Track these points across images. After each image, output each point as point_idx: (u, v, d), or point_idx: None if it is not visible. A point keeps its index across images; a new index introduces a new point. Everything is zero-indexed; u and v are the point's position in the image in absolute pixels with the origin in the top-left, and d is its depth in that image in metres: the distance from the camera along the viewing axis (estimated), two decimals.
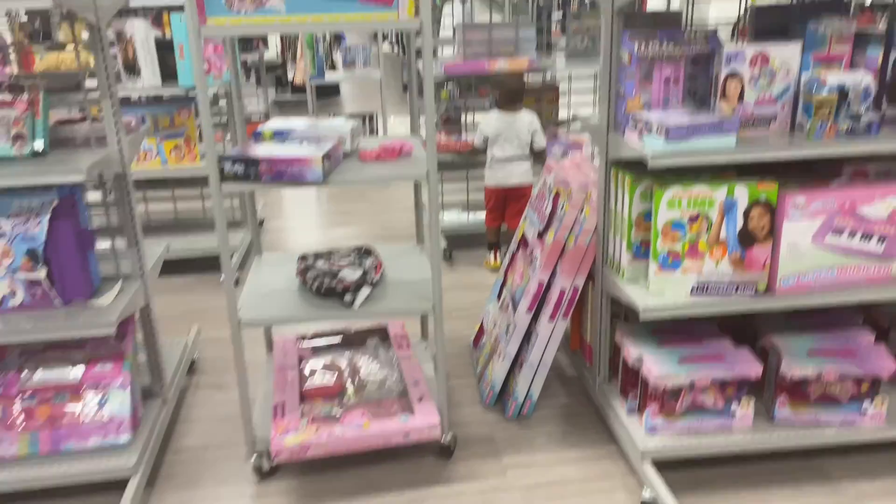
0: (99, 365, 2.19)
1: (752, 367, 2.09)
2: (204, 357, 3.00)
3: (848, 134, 1.96)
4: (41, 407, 2.13)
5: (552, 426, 2.48)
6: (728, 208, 1.98)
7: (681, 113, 1.99)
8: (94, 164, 1.94)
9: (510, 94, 3.66)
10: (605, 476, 2.22)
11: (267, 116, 5.72)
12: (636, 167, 2.10)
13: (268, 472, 2.25)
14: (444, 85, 5.19)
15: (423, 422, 2.16)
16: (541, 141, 3.69)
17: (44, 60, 3.86)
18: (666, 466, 2.09)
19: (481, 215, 4.08)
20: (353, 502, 2.14)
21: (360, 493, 2.18)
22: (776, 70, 2.00)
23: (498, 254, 3.93)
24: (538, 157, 3.70)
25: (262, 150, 2.01)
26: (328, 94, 9.44)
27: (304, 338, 2.73)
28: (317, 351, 2.65)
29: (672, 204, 1.99)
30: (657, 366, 2.09)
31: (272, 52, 8.88)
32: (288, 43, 8.77)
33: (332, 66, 6.65)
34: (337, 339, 2.72)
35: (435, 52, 4.59)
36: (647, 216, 2.09)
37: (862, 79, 1.95)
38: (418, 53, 6.05)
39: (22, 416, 2.11)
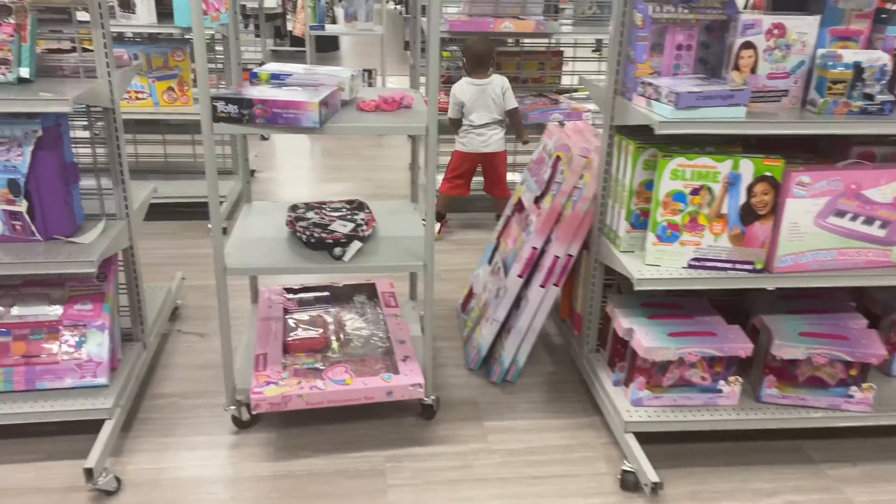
0: (78, 304, 2.13)
1: (742, 346, 2.07)
2: (187, 304, 2.95)
3: (860, 113, 1.91)
4: (17, 343, 2.08)
5: (536, 393, 2.46)
6: (732, 182, 1.94)
7: (691, 81, 1.93)
8: (81, 94, 1.86)
9: (477, 58, 3.52)
10: (587, 446, 2.21)
11: (260, 65, 5.60)
12: (640, 135, 2.04)
13: (246, 422, 2.22)
14: (446, 44, 5.08)
15: (407, 381, 2.13)
16: (511, 100, 3.57)
17: None
18: (648, 439, 2.07)
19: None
20: (331, 457, 2.12)
21: (338, 449, 2.15)
22: (792, 43, 1.94)
23: (444, 227, 3.82)
24: (511, 117, 3.62)
25: (258, 91, 1.94)
26: (327, 48, 9.28)
27: (290, 290, 2.69)
28: (303, 304, 2.61)
29: (675, 174, 1.94)
30: (647, 339, 2.06)
31: (272, 1, 8.68)
32: None
33: (333, 21, 6.51)
34: (324, 294, 2.68)
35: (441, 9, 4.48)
36: (648, 185, 2.05)
37: (879, 58, 1.90)
38: (423, 11, 5.92)
39: None
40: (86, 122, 2.26)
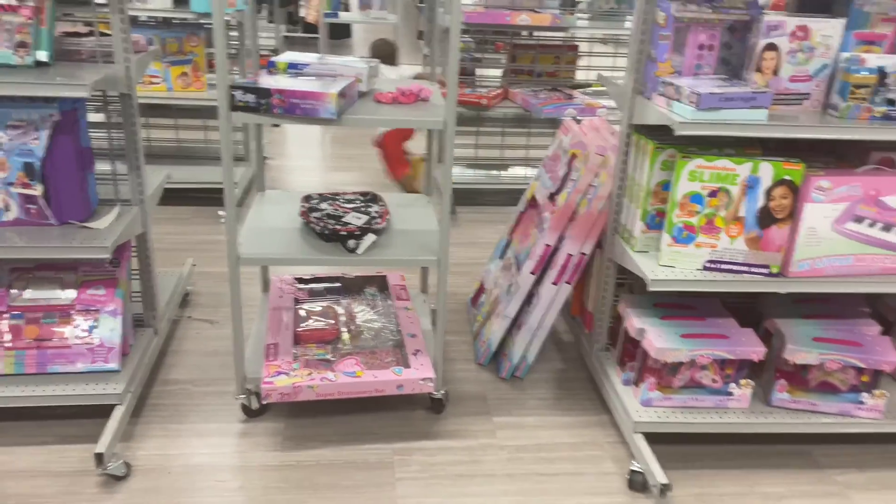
0: (91, 289, 2.13)
1: (755, 349, 2.06)
2: (197, 291, 2.95)
3: (882, 119, 1.89)
4: (29, 326, 2.08)
5: (545, 390, 2.45)
6: (751, 185, 1.92)
7: (713, 81, 1.91)
8: (99, 79, 1.85)
9: (381, 57, 4.28)
10: (595, 444, 2.20)
11: (275, 52, 5.58)
12: (658, 134, 2.03)
13: (255, 411, 2.22)
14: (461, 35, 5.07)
15: (418, 375, 2.13)
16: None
17: None
18: (657, 439, 2.07)
19: (488, 172, 4.01)
20: (339, 448, 2.12)
21: (346, 441, 2.15)
22: (815, 46, 1.92)
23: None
24: None
25: (276, 81, 1.93)
26: (339, 35, 9.24)
27: (301, 280, 2.69)
28: (313, 294, 2.61)
29: (693, 176, 1.93)
30: (659, 339, 2.05)
31: None
32: None
33: (346, 8, 6.48)
34: (334, 285, 2.68)
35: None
36: (665, 186, 2.04)
37: None
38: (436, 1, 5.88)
39: (9, 334, 2.06)
40: (99, 107, 2.25)
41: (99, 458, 1.89)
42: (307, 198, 2.36)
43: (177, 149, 4.24)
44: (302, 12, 8.72)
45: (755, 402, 2.15)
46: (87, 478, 1.95)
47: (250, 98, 1.85)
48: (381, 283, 2.71)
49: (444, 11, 2.50)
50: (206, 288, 2.99)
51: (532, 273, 2.40)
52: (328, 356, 2.23)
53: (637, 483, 2.02)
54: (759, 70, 1.94)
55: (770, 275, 2.00)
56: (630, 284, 2.37)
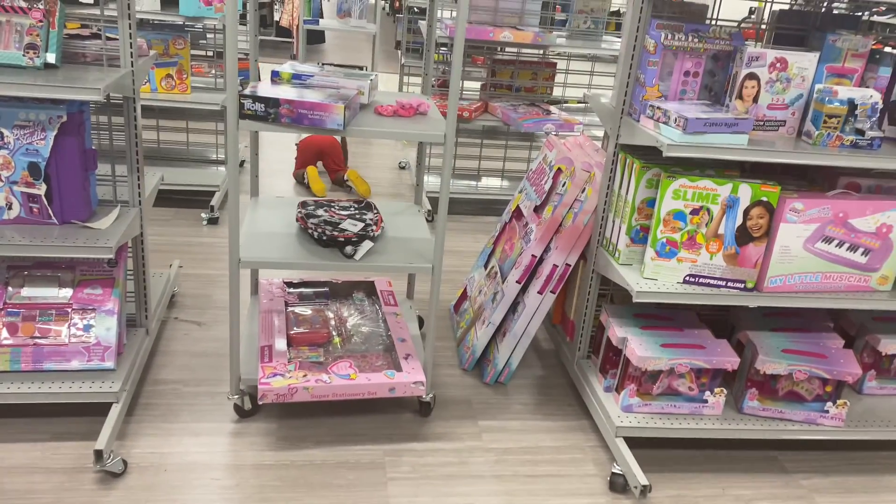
0: (88, 288, 2.16)
1: (730, 359, 2.18)
2: (183, 293, 2.98)
3: (851, 147, 2.04)
4: (25, 324, 2.10)
5: (527, 395, 2.55)
6: (730, 205, 2.05)
7: (698, 107, 2.04)
8: (111, 83, 1.89)
9: None
10: (577, 448, 2.30)
11: (246, 56, 5.61)
12: (642, 154, 2.15)
13: (248, 412, 2.27)
14: (439, 48, 5.17)
15: (409, 378, 2.21)
16: None
17: None
18: (635, 443, 2.17)
19: (466, 182, 4.11)
20: (332, 449, 2.18)
21: (338, 442, 2.22)
22: (792, 77, 2.06)
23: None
24: None
25: (281, 91, 1.99)
26: (312, 41, 9.28)
27: (290, 284, 2.74)
28: (303, 298, 2.66)
29: (677, 194, 2.04)
30: (640, 348, 2.16)
31: None
32: None
33: (320, 14, 6.51)
34: (323, 289, 2.73)
35: (439, 14, 4.57)
36: (649, 203, 2.15)
37: (871, 95, 2.03)
38: (410, 11, 5.97)
39: (5, 331, 2.08)
40: (100, 109, 2.29)
41: (98, 454, 1.92)
42: (303, 203, 2.42)
43: (158, 150, 4.24)
44: (276, 16, 8.74)
45: (728, 410, 2.28)
46: (84, 474, 1.97)
47: (259, 107, 1.91)
48: (368, 289, 2.78)
49: (432, 25, 2.59)
50: (192, 290, 3.02)
51: (518, 282, 2.50)
52: (321, 359, 2.29)
53: (618, 485, 2.12)
54: (740, 97, 2.07)
55: (745, 289, 2.13)
56: (611, 295, 2.48)
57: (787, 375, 2.23)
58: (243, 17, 6.97)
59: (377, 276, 2.88)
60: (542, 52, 4.67)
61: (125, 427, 2.17)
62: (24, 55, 1.94)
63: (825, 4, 2.46)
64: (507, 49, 4.65)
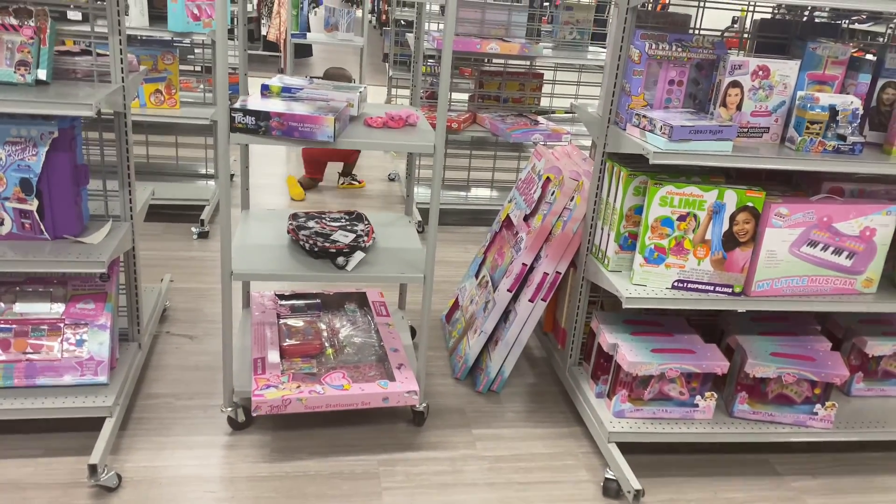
0: (81, 303, 2.16)
1: (719, 364, 2.21)
2: (174, 307, 2.98)
3: (834, 152, 2.07)
4: (18, 339, 2.10)
5: (520, 403, 2.56)
6: (716, 211, 2.08)
7: (682, 115, 2.07)
8: (103, 99, 1.91)
9: (332, 78, 4.55)
10: (569, 454, 2.32)
11: (235, 70, 5.64)
12: (629, 162, 2.18)
13: (241, 424, 2.27)
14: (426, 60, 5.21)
15: (403, 388, 2.22)
16: None
17: None
18: (627, 449, 2.19)
19: (456, 192, 4.14)
20: (326, 460, 2.19)
21: (332, 452, 2.22)
22: (774, 84, 2.10)
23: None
24: None
25: (271, 104, 2.01)
26: (299, 55, 9.31)
27: (281, 296, 2.75)
28: (295, 310, 2.67)
29: (664, 201, 2.07)
30: (631, 354, 2.19)
31: (247, 5, 8.69)
32: None
33: (307, 28, 6.55)
34: (314, 301, 2.75)
35: (426, 27, 4.61)
36: (637, 210, 2.18)
37: (852, 102, 2.07)
38: (397, 24, 6.01)
39: None
40: (90, 125, 2.29)
41: (93, 469, 1.92)
42: (294, 216, 2.43)
43: (146, 165, 4.25)
44: (263, 30, 8.77)
45: (718, 414, 2.30)
46: (78, 489, 1.97)
47: (250, 120, 1.93)
48: (360, 300, 2.79)
49: (420, 37, 2.62)
50: (183, 304, 3.02)
51: (509, 290, 2.52)
52: (314, 370, 2.30)
53: (611, 490, 2.14)
54: (724, 105, 2.10)
55: (733, 294, 2.16)
56: (601, 301, 2.50)
57: (776, 378, 2.25)
58: (231, 31, 7.01)
59: (369, 286, 2.89)
60: (528, 63, 4.71)
61: (119, 441, 2.17)
62: (15, 72, 1.95)
63: (806, 13, 2.51)
64: (495, 60, 4.70)
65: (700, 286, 2.15)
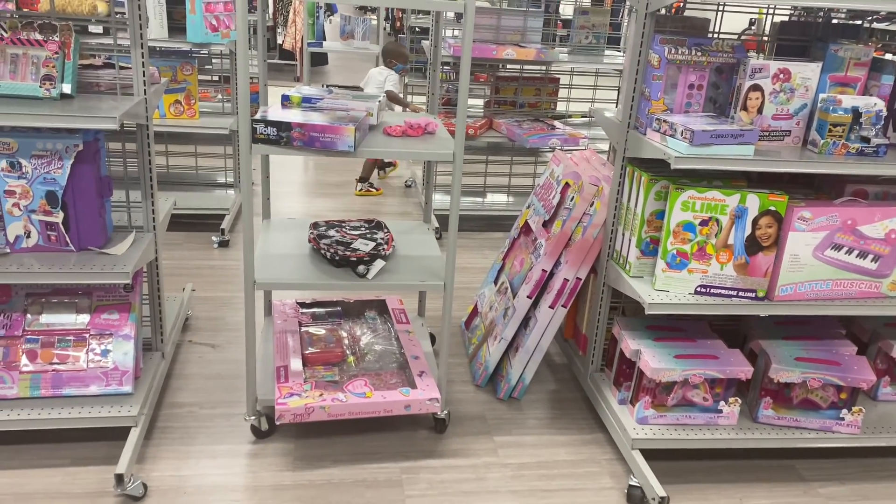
0: (105, 314, 2.18)
1: (743, 369, 2.19)
2: (196, 315, 3.00)
3: (857, 154, 2.05)
4: (44, 350, 2.13)
5: (541, 410, 2.56)
6: (739, 215, 2.06)
7: (703, 119, 2.06)
8: (126, 112, 1.93)
9: (395, 55, 4.78)
10: (592, 461, 2.31)
11: (254, 79, 5.68)
12: (649, 166, 2.17)
13: (265, 432, 2.28)
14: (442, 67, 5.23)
15: (425, 395, 2.22)
16: (389, 85, 4.63)
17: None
18: (650, 455, 2.18)
19: (473, 199, 4.14)
20: (349, 468, 2.19)
21: (355, 460, 2.23)
22: (796, 87, 2.09)
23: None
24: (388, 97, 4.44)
25: (292, 115, 2.02)
26: (315, 63, 9.37)
27: (302, 304, 2.76)
28: (316, 318, 2.68)
29: (686, 206, 2.06)
30: (654, 360, 2.17)
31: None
32: (280, 6, 8.67)
33: (323, 37, 6.60)
34: (335, 309, 2.76)
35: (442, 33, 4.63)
36: (658, 215, 2.17)
37: (875, 103, 2.05)
38: (412, 31, 6.02)
39: (25, 358, 2.10)
40: (113, 137, 2.32)
41: (119, 478, 1.94)
42: (315, 225, 2.44)
43: (166, 175, 4.29)
44: (279, 39, 8.84)
45: (743, 419, 2.28)
46: (105, 499, 1.99)
47: (271, 131, 1.94)
48: (380, 307, 2.80)
49: (438, 45, 2.63)
50: (205, 312, 3.04)
51: (529, 297, 2.52)
52: (336, 378, 2.30)
53: (635, 497, 2.12)
54: (744, 109, 2.09)
55: (757, 298, 2.14)
56: (623, 307, 2.49)
57: (801, 383, 2.23)
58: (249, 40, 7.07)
59: (389, 294, 2.90)
60: (544, 67, 4.71)
61: (144, 450, 2.18)
62: (40, 86, 1.98)
63: (824, 14, 2.49)
64: (511, 66, 4.70)
65: (723, 291, 2.14)
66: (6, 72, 1.97)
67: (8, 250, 2.07)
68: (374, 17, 6.30)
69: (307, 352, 2.41)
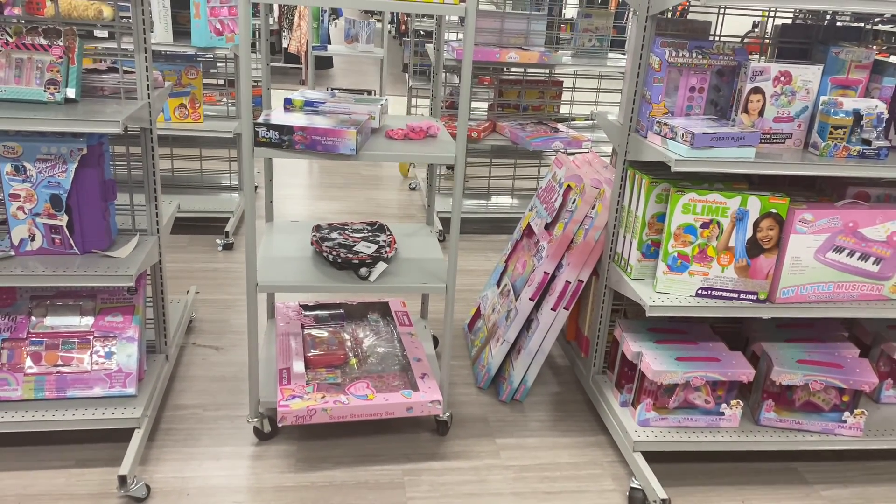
0: (109, 316, 2.20)
1: (745, 371, 2.19)
2: (200, 318, 3.02)
3: (859, 157, 2.05)
4: (49, 353, 2.14)
5: (544, 412, 2.56)
6: (740, 218, 2.07)
7: (704, 122, 2.07)
8: (129, 116, 1.94)
9: None
10: (594, 463, 2.31)
11: (257, 83, 5.70)
12: (650, 169, 2.18)
13: (268, 434, 2.29)
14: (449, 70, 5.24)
15: (427, 398, 2.23)
16: None
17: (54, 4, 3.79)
18: (652, 458, 2.18)
19: (476, 201, 4.15)
20: (351, 469, 2.20)
21: (357, 462, 2.23)
22: (797, 90, 2.09)
23: None
24: None
25: (294, 118, 2.04)
26: (320, 66, 9.40)
27: (305, 306, 2.77)
28: (319, 320, 2.69)
29: (687, 209, 2.07)
30: (655, 362, 2.17)
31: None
32: (285, 10, 8.70)
33: (328, 40, 6.64)
34: (338, 311, 2.76)
35: (446, 37, 4.65)
36: (660, 218, 2.17)
37: (876, 106, 2.05)
38: (417, 34, 6.04)
39: (29, 360, 2.12)
40: (117, 141, 2.34)
41: (122, 480, 1.95)
42: (317, 227, 2.46)
43: (171, 178, 4.31)
44: (284, 43, 8.87)
45: (745, 422, 2.28)
46: (108, 500, 2.00)
47: (273, 134, 1.95)
48: (383, 310, 2.81)
49: (440, 48, 2.64)
50: (208, 315, 3.06)
51: (531, 299, 2.52)
52: (338, 380, 2.31)
53: (637, 499, 2.12)
54: (745, 111, 2.09)
55: (758, 301, 2.14)
56: (624, 310, 2.49)
57: (803, 386, 2.23)
58: (253, 44, 7.10)
59: (391, 296, 2.91)
60: (548, 70, 4.71)
61: (147, 452, 2.20)
62: (45, 91, 1.99)
63: (827, 17, 2.49)
64: (514, 69, 4.72)
65: (724, 293, 2.14)
66: (11, 77, 1.99)
67: (12, 253, 2.09)
68: (379, 20, 6.31)
69: (310, 354, 2.42)
